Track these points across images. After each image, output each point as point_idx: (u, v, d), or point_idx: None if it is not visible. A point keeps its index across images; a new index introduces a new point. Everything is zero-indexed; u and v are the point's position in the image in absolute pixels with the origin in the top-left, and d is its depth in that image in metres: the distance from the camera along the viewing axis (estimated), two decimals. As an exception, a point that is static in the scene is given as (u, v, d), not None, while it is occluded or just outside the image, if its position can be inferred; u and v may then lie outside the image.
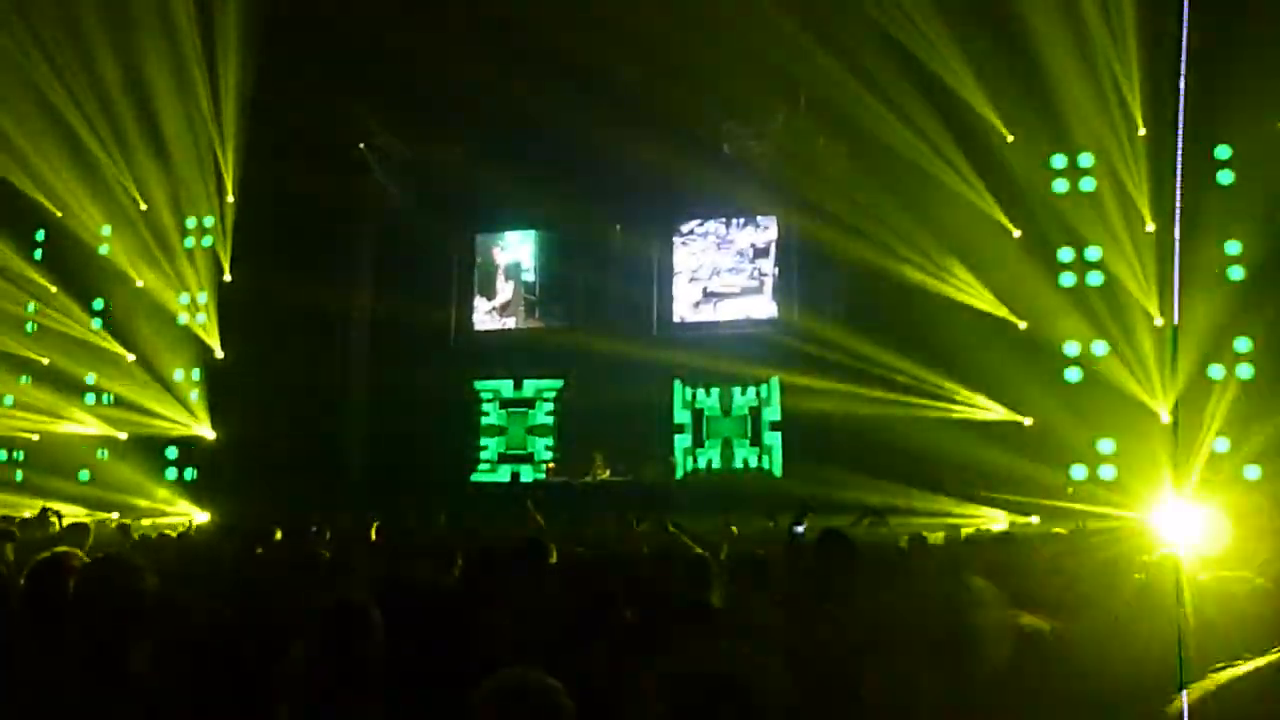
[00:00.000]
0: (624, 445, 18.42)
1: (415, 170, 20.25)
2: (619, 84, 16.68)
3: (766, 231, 19.73)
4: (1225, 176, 16.50)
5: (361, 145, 19.45)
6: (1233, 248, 16.35)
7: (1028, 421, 16.90)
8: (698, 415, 19.44)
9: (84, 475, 20.09)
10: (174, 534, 11.51)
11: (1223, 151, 16.53)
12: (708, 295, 19.92)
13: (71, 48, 18.16)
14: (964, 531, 13.75)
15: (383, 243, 20.57)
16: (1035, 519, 15.90)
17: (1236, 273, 16.30)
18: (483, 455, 20.45)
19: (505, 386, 20.57)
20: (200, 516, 18.14)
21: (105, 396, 20.40)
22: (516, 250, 21.17)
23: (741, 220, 19.90)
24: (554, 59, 16.68)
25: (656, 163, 17.60)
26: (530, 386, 20.42)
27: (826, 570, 4.84)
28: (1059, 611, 3.81)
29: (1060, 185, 17.25)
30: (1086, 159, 17.16)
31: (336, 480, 19.07)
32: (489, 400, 20.64)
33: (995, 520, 15.99)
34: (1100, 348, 16.65)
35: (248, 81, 18.55)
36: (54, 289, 20.33)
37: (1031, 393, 16.88)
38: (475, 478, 20.17)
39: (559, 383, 20.17)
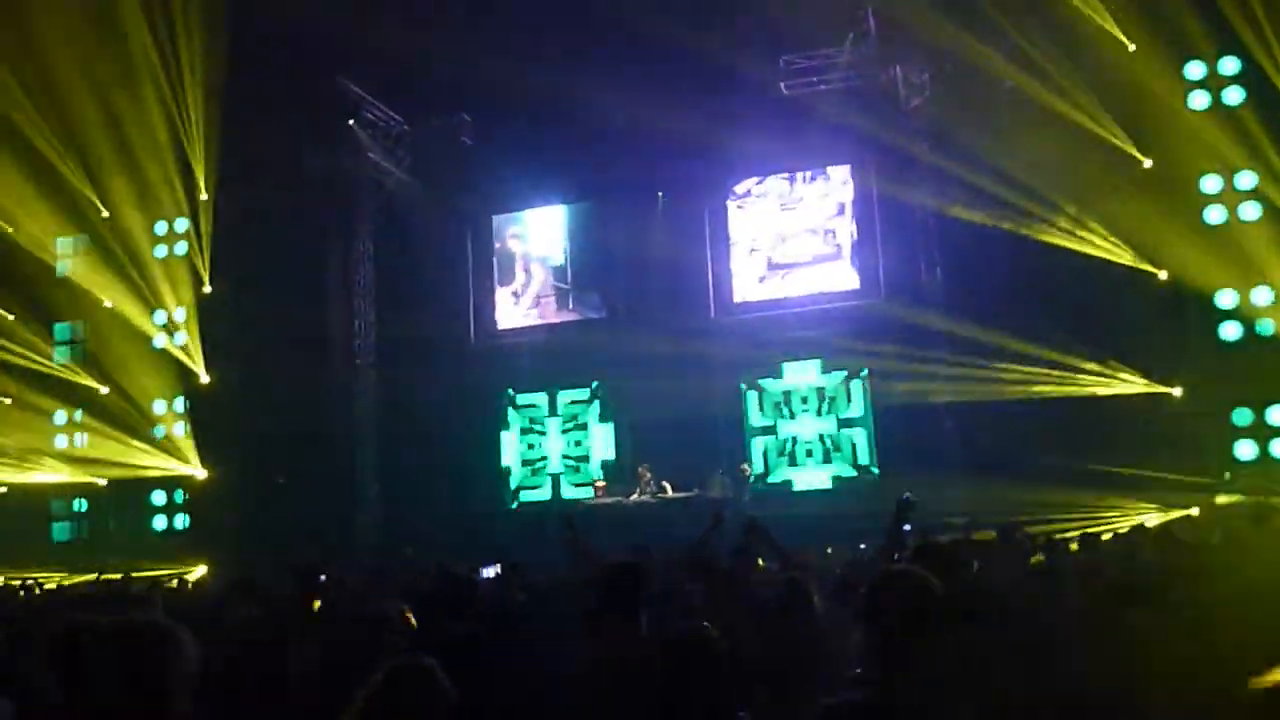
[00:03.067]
0: (685, 455, 17.55)
1: (416, 145, 19.93)
2: (651, 20, 15.87)
3: (839, 185, 19.13)
4: None
5: (351, 122, 18.91)
6: None
7: (1176, 392, 16.20)
8: (772, 412, 18.78)
9: (59, 530, 20.15)
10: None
11: None
12: (773, 267, 19.18)
13: (12, 38, 17.77)
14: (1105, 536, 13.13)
15: (384, 232, 20.04)
16: (1194, 510, 15.07)
17: None
18: (517, 478, 19.89)
19: (539, 393, 20.02)
20: (198, 570, 17.88)
21: (78, 438, 20.23)
22: (541, 231, 20.50)
23: (809, 174, 19.23)
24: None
25: (701, 113, 16.81)
26: (568, 392, 19.83)
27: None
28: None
29: (1198, 99, 16.39)
30: (1230, 64, 16.25)
31: (349, 517, 18.74)
32: (521, 411, 20.08)
33: (1143, 515, 15.11)
34: (1263, 296, 15.80)
35: (216, 59, 18.14)
36: (10, 316, 20.09)
37: (1178, 357, 16.22)
38: (509, 504, 19.70)
39: (603, 385, 19.56)
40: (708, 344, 18.47)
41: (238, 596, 7.97)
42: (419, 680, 2.89)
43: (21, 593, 12.82)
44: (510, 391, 20.12)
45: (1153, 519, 14.95)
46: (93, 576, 16.39)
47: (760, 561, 7.11)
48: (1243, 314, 15.98)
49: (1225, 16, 15.54)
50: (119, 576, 14.90)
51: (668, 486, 16.87)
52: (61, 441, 20.33)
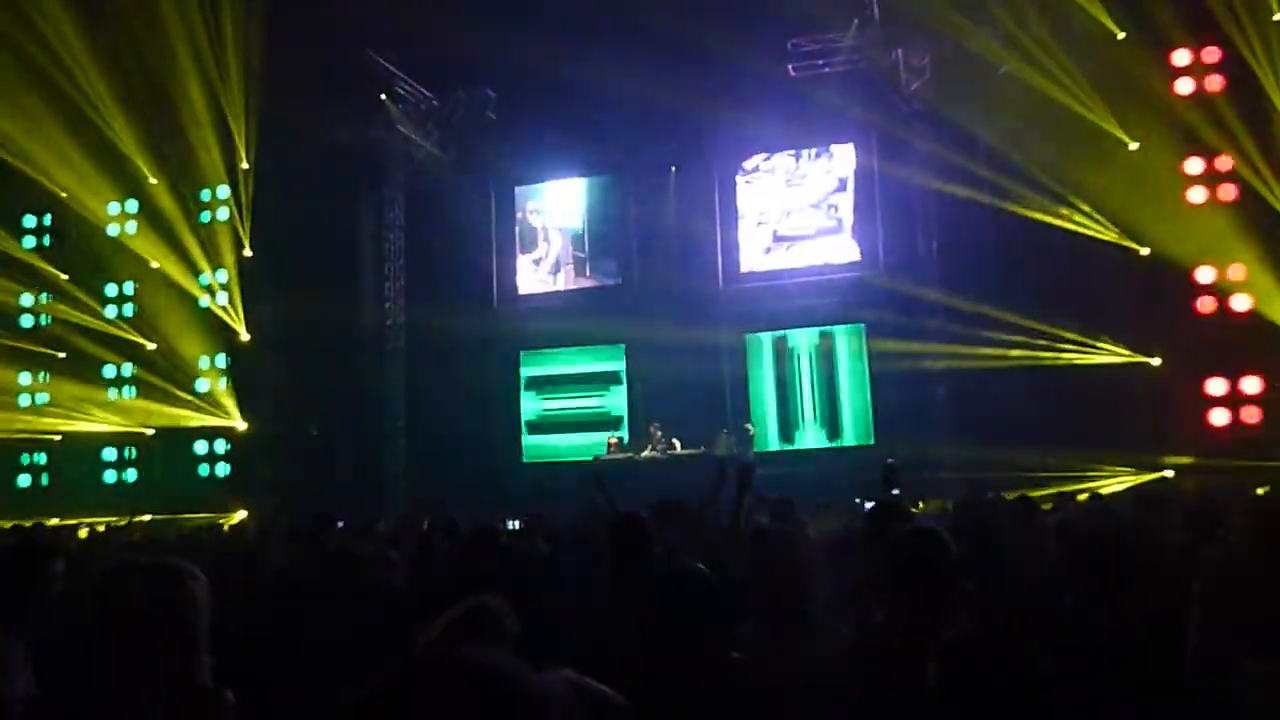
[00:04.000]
0: (694, 414, 17.95)
1: (444, 120, 20.30)
2: (666, 3, 16.41)
3: (842, 163, 19.43)
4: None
5: (383, 96, 19.32)
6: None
7: (1155, 362, 16.53)
8: (774, 375, 19.28)
9: (109, 476, 20.66)
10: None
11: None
12: (778, 239, 19.55)
13: (63, 14, 18.28)
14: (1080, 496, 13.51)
15: (414, 201, 20.51)
16: (1169, 473, 15.53)
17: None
18: (534, 434, 20.47)
19: (557, 355, 20.59)
20: (238, 515, 18.30)
21: (127, 390, 20.85)
22: (561, 202, 20.96)
23: (814, 152, 19.60)
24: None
25: (713, 92, 17.35)
26: (584, 353, 20.38)
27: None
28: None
29: (1183, 86, 16.65)
30: (1212, 53, 16.50)
31: (378, 466, 19.35)
32: (540, 371, 20.66)
33: (1121, 478, 15.68)
34: (1238, 272, 16.08)
35: (256, 37, 18.59)
36: (64, 276, 20.81)
37: (1158, 329, 16.51)
38: (528, 458, 20.24)
39: (617, 348, 20.04)
40: (716, 310, 19.04)
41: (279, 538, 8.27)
42: (491, 617, 2.96)
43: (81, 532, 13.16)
44: (530, 352, 20.61)
45: (1128, 481, 15.41)
46: (143, 519, 17.29)
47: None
48: (1219, 289, 16.19)
49: (1208, 7, 15.77)
50: (147, 519, 15.55)
51: (676, 443, 17.15)
52: (112, 394, 20.86)
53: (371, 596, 5.11)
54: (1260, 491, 8.82)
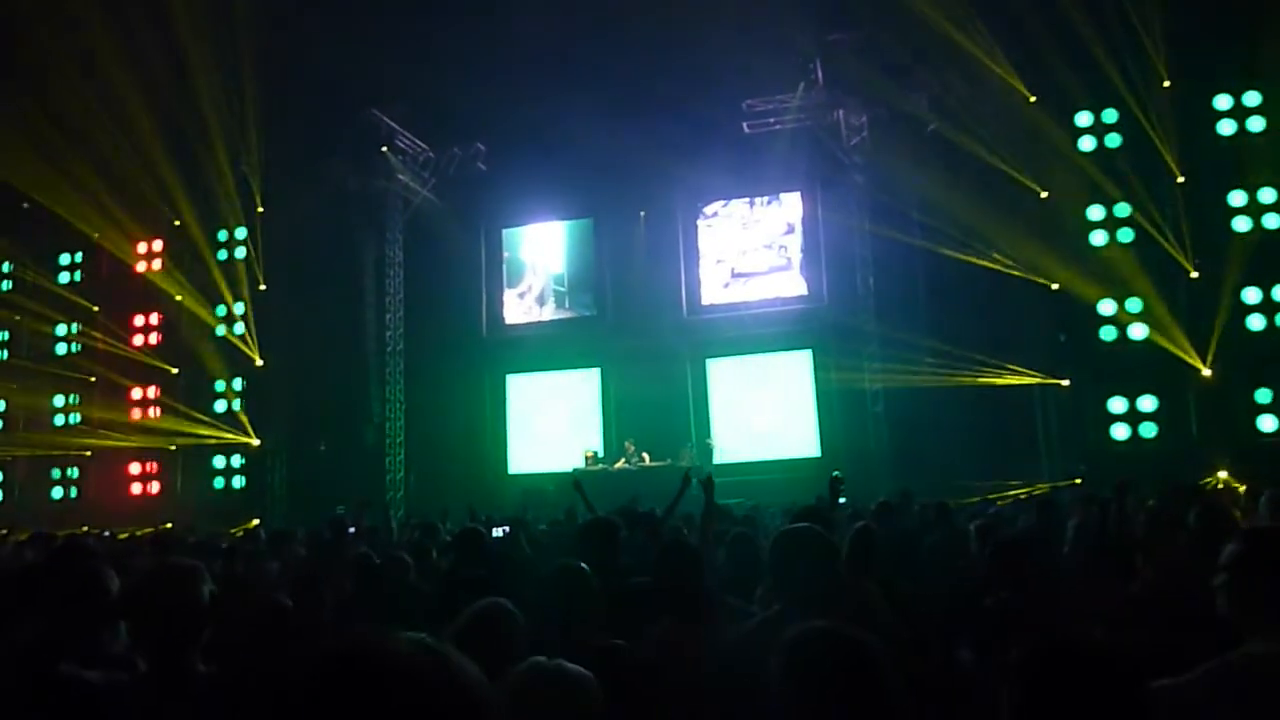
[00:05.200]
0: (660, 430, 18.71)
1: (439, 170, 21.05)
2: (635, 68, 17.24)
3: (791, 209, 20.38)
4: (1257, 123, 16.91)
5: (384, 149, 20.13)
6: (1267, 195, 16.82)
7: (1065, 383, 17.36)
8: (732, 396, 19.95)
9: (135, 488, 21.42)
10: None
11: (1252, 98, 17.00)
12: (735, 275, 20.41)
13: (94, 71, 19.06)
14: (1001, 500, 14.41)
15: (411, 242, 21.22)
16: (1079, 480, 16.23)
17: (1274, 221, 16.73)
18: (521, 449, 20.99)
19: (539, 378, 21.21)
20: (253, 523, 18.50)
21: (152, 411, 21.66)
22: (543, 242, 21.75)
23: (766, 199, 20.55)
24: (567, 50, 17.36)
25: (677, 146, 18.20)
26: (564, 377, 21.02)
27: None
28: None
29: (1086, 143, 17.68)
30: (1111, 114, 17.60)
31: (379, 479, 19.82)
32: (524, 393, 21.27)
33: (1035, 486, 16.38)
34: (1135, 305, 17.04)
35: (271, 95, 19.42)
36: (95, 309, 21.78)
37: (1066, 354, 17.42)
38: (513, 469, 20.79)
39: (593, 372, 20.74)
40: (680, 338, 19.79)
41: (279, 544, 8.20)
42: (503, 617, 3.00)
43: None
44: (515, 376, 21.16)
45: (1040, 488, 15.97)
46: (165, 527, 17.79)
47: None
48: (1119, 320, 17.00)
49: (1107, 75, 16.71)
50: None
51: (646, 456, 17.83)
52: (138, 414, 21.58)
53: (383, 594, 5.32)
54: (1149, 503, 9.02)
